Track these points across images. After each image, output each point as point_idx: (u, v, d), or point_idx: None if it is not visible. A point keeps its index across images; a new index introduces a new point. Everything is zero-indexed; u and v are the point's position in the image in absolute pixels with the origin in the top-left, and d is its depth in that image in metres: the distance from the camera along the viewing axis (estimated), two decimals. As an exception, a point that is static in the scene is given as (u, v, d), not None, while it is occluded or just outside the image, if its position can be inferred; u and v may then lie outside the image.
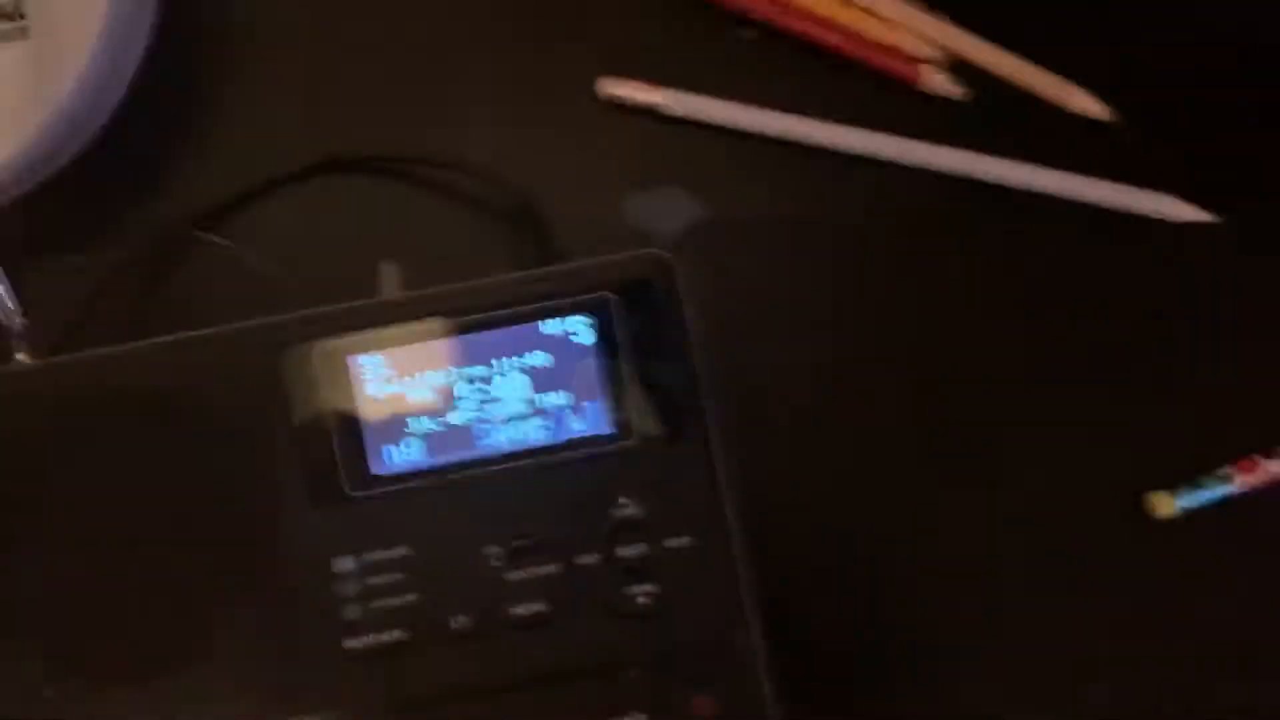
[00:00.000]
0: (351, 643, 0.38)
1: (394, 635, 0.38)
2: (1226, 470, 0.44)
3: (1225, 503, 0.44)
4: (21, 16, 0.49)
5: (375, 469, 0.39)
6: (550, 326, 0.40)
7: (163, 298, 0.49)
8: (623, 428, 0.40)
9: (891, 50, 0.50)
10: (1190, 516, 0.44)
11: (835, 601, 0.44)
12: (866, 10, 0.50)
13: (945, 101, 0.50)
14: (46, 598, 0.38)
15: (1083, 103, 0.48)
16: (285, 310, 0.41)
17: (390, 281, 0.42)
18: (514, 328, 0.40)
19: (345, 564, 0.39)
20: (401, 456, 0.39)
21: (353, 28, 0.50)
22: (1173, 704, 0.44)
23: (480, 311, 0.40)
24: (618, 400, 0.40)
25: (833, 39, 0.50)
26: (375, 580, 0.38)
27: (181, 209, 0.49)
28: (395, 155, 0.47)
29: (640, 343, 0.40)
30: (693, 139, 0.49)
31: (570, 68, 0.50)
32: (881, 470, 0.45)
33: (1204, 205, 0.47)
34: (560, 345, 0.40)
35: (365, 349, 0.39)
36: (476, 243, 0.48)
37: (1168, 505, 0.44)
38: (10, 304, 0.43)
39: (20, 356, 0.43)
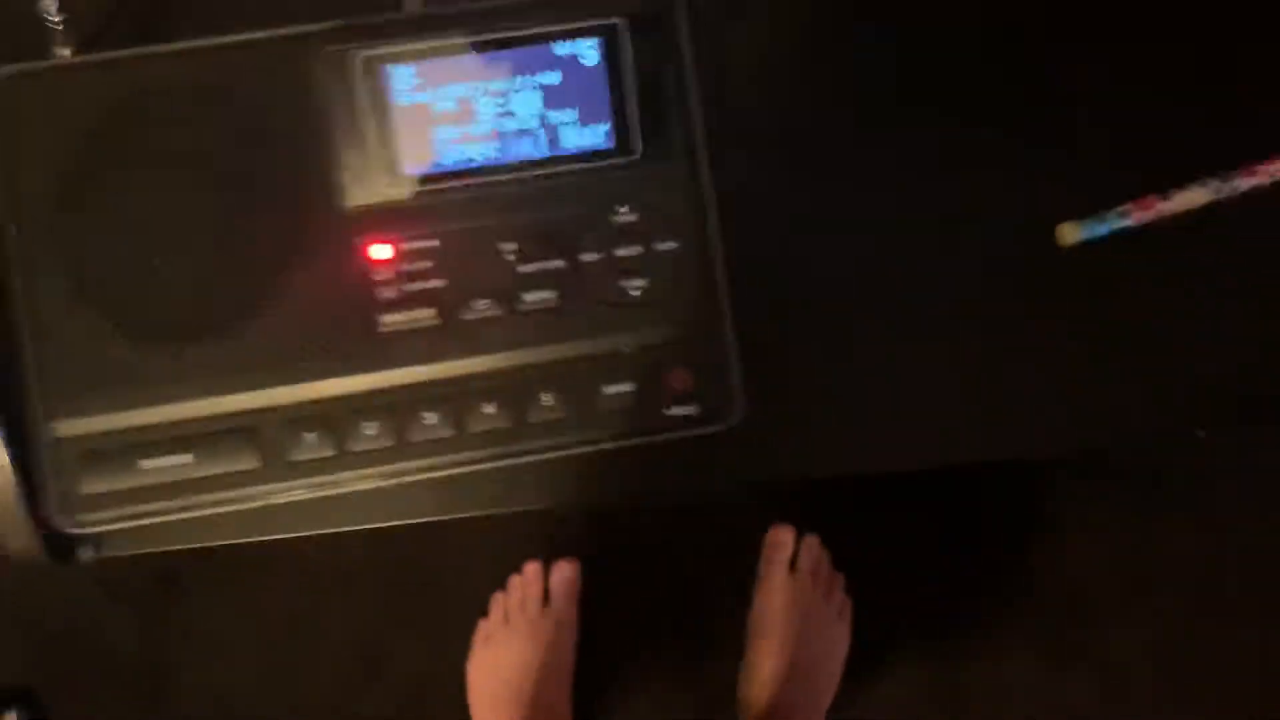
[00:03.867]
0: (386, 318, 0.45)
1: (426, 314, 0.45)
2: (1126, 207, 0.51)
3: (1122, 235, 0.52)
4: None
5: (405, 169, 0.45)
6: (562, 48, 0.44)
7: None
8: (623, 144, 0.45)
9: None
10: (1091, 245, 0.52)
11: (790, 308, 0.51)
12: None
13: None
14: (110, 268, 0.44)
15: None
16: (303, 17, 0.44)
17: (411, -3, 0.46)
18: (530, 48, 0.44)
19: (381, 251, 0.45)
20: (429, 160, 0.45)
21: None
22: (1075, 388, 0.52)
23: (501, 30, 0.44)
24: (619, 119, 0.45)
25: None
26: (408, 267, 0.45)
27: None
28: None
29: (642, 68, 0.45)
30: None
31: None
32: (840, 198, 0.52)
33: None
34: (570, 66, 0.45)
35: (398, 60, 0.44)
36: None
37: (1073, 234, 0.51)
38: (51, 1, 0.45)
39: (63, 52, 0.46)
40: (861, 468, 0.51)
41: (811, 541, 1.11)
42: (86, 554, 0.48)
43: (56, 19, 0.46)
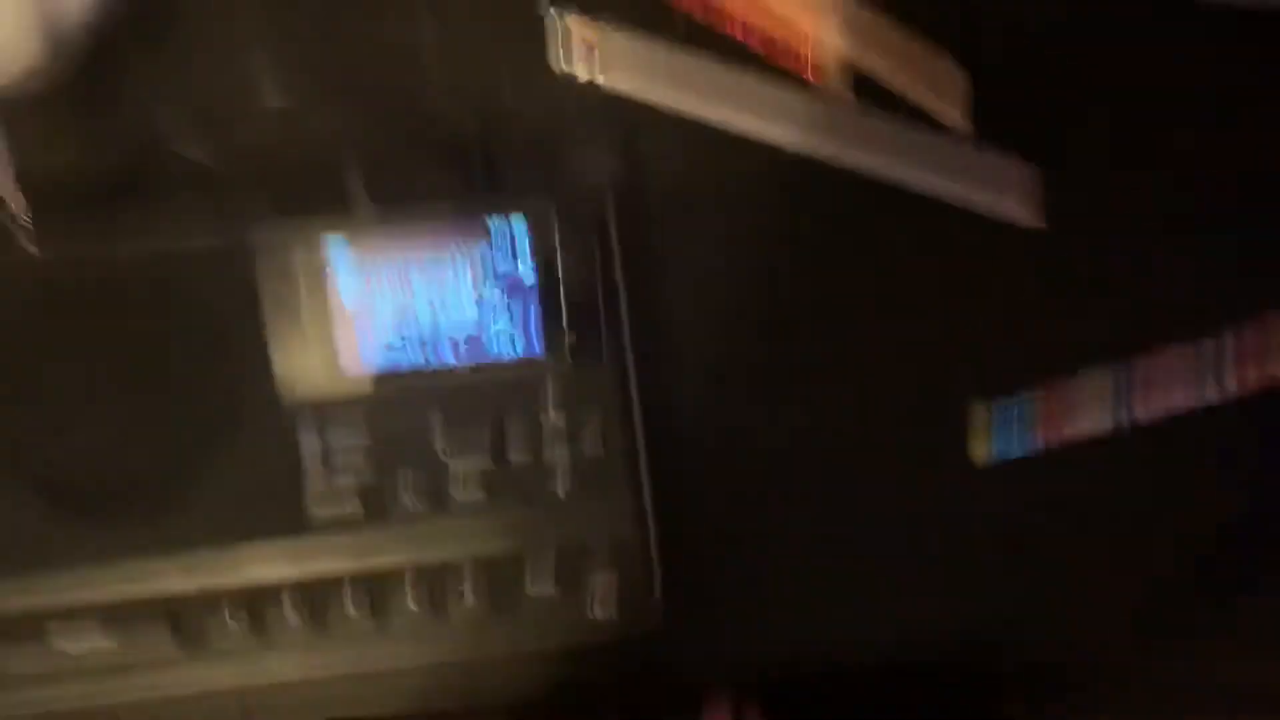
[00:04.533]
0: (315, 510, 0.46)
1: (352, 507, 0.46)
2: (1034, 431, 0.54)
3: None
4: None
5: (342, 361, 0.46)
6: (499, 241, 0.47)
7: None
8: (553, 347, 0.47)
9: (788, 47, 0.56)
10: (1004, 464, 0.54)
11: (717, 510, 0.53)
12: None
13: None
14: (45, 451, 0.45)
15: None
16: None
17: (356, 189, 0.48)
18: (466, 243, 0.47)
19: (311, 444, 0.46)
20: (365, 355, 0.47)
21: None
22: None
23: (436, 230, 0.46)
24: (550, 324, 0.47)
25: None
26: (337, 459, 0.46)
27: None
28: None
29: (571, 273, 0.47)
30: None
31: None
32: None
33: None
34: (507, 270, 0.47)
35: (339, 257, 0.46)
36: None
37: (985, 453, 0.54)
38: (17, 197, 0.48)
39: (32, 249, 0.48)
40: (784, 671, 0.51)
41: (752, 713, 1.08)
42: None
43: (23, 217, 0.48)
